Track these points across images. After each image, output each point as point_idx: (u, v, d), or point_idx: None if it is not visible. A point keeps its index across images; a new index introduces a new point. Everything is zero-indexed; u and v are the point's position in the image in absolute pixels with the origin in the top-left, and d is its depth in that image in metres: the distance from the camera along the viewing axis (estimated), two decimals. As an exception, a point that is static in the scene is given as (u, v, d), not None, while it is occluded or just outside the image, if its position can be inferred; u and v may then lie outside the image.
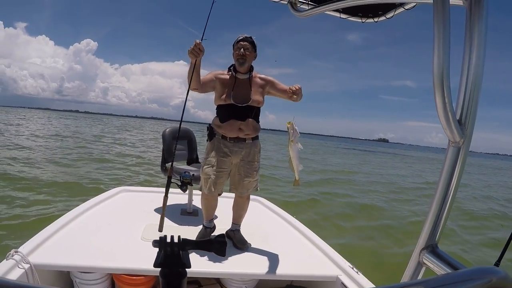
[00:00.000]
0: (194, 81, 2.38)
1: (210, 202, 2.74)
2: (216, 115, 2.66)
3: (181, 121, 2.60)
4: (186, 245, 0.71)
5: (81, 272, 2.25)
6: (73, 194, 6.88)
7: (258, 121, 2.63)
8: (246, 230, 2.84)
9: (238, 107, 2.51)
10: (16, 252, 2.04)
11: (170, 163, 2.45)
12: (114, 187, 3.98)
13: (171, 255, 0.67)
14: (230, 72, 2.60)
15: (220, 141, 2.58)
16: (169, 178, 2.42)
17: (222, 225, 2.91)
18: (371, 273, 2.50)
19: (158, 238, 0.71)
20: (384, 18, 1.63)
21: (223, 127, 2.56)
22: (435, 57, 0.69)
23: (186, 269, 0.71)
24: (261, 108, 2.65)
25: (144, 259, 2.27)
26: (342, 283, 2.32)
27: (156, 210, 3.35)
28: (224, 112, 2.56)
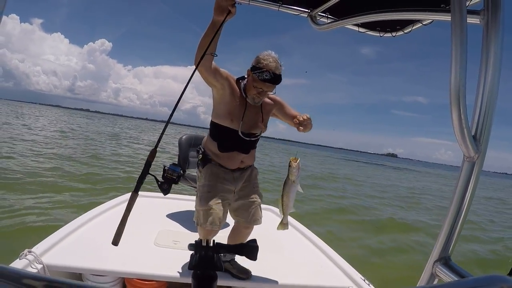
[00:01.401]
0: (213, 45, 1.75)
1: (212, 235, 2.25)
2: (211, 137, 2.20)
3: (171, 114, 1.73)
4: (220, 248, 0.73)
5: (93, 274, 2.28)
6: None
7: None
8: (258, 241, 2.79)
9: (247, 138, 2.14)
10: (30, 252, 2.07)
11: (183, 170, 2.44)
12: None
13: (205, 258, 0.70)
14: (240, 92, 2.13)
15: (218, 168, 2.17)
16: (169, 179, 1.87)
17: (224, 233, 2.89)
18: (383, 286, 2.49)
19: (193, 242, 0.74)
20: (402, 33, 1.66)
21: (221, 157, 2.15)
22: (452, 73, 0.71)
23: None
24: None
25: (157, 265, 2.30)
26: None
27: (169, 216, 3.37)
28: (227, 140, 2.14)
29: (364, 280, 2.41)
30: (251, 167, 2.31)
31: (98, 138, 23.27)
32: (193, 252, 0.73)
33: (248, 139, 2.13)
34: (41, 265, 2.05)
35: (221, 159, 2.15)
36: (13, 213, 5.45)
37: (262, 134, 2.27)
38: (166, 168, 1.81)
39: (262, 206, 3.22)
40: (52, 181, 7.99)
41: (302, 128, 2.04)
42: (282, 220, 2.23)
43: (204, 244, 0.72)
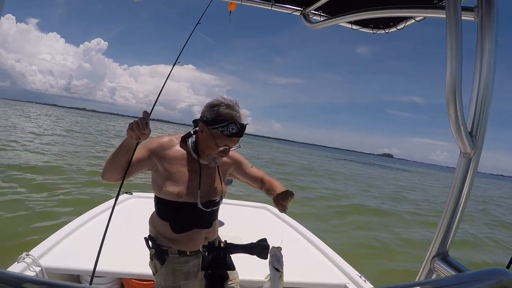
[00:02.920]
0: (116, 172, 1.50)
1: None
2: (159, 217, 1.65)
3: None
4: (231, 249, 0.74)
5: (90, 275, 2.28)
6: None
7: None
8: (253, 238, 2.80)
9: (207, 209, 1.60)
10: (28, 255, 2.07)
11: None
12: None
13: (217, 258, 0.70)
14: (188, 154, 1.62)
15: (178, 261, 1.61)
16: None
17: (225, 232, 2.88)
18: (380, 282, 2.52)
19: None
20: (395, 29, 1.66)
21: (178, 240, 1.61)
22: (447, 69, 0.71)
23: None
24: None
25: None
26: None
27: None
28: (182, 218, 1.59)
29: (361, 277, 2.44)
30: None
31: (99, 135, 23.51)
32: (205, 252, 0.73)
33: (209, 210, 1.62)
34: (39, 268, 2.04)
35: (179, 243, 1.61)
36: (12, 213, 5.42)
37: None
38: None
39: (256, 204, 3.20)
40: (50, 181, 7.96)
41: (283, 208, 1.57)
42: None
43: (216, 244, 0.73)
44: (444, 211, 0.88)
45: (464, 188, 0.84)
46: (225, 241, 0.76)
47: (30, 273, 1.98)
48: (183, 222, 1.59)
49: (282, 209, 1.56)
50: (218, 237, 1.80)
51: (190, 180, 1.57)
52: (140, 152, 1.52)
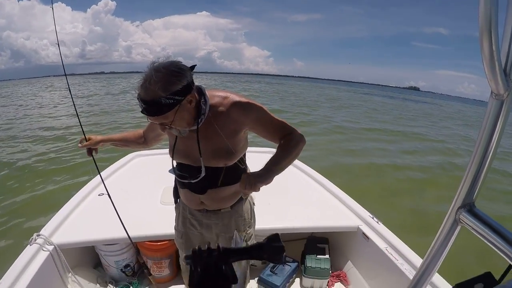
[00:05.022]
0: (127, 147, 1.79)
1: None
2: None
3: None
4: (229, 256, 0.55)
5: (105, 244, 2.30)
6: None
7: (240, 176, 1.29)
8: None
9: (180, 180, 1.53)
10: (39, 235, 2.06)
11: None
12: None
13: (210, 270, 0.51)
14: None
15: (185, 207, 1.67)
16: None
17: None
18: (392, 224, 2.50)
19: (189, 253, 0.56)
20: None
21: (181, 193, 1.63)
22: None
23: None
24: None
25: (166, 224, 2.27)
26: (363, 233, 2.33)
27: (171, 171, 3.31)
28: (177, 174, 1.57)
29: (373, 218, 2.42)
30: (228, 212, 1.60)
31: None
32: (190, 265, 0.55)
33: (184, 181, 1.48)
34: (52, 246, 2.04)
35: (181, 196, 1.64)
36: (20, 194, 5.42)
37: None
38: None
39: (262, 149, 3.08)
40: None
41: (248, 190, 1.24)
42: None
43: (204, 249, 0.54)
44: (471, 157, 0.78)
45: (495, 134, 0.73)
46: (218, 245, 0.55)
47: (43, 253, 1.98)
48: (178, 179, 1.55)
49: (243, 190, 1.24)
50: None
51: (171, 141, 1.49)
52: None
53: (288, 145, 1.37)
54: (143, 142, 1.75)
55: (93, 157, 1.73)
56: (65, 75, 2.05)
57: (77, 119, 2.00)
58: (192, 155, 1.41)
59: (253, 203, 1.76)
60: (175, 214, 1.79)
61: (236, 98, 1.34)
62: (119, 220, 1.95)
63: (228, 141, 1.36)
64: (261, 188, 1.23)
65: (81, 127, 1.93)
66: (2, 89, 42.77)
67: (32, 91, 36.34)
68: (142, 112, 1.18)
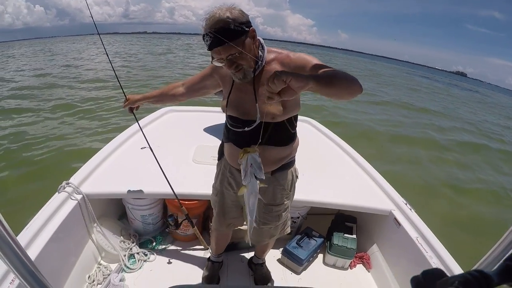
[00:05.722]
0: (162, 102, 1.85)
1: (218, 238, 2.08)
2: None
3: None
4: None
5: (134, 198, 2.28)
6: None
7: (288, 140, 1.48)
8: (298, 155, 2.43)
9: (237, 125, 1.44)
10: (68, 184, 2.04)
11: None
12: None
13: None
14: None
15: (226, 166, 1.66)
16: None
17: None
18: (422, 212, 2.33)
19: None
20: None
21: (225, 148, 1.63)
22: None
23: None
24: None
25: (197, 183, 2.22)
26: (395, 219, 2.22)
27: (206, 130, 3.21)
28: (225, 127, 1.57)
29: (406, 204, 2.30)
30: (268, 178, 1.54)
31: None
32: None
33: (238, 130, 1.43)
34: (81, 195, 2.03)
35: (225, 151, 1.63)
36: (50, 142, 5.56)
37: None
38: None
39: (300, 117, 2.92)
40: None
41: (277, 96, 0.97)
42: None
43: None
44: None
45: None
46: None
47: (72, 202, 1.97)
48: (225, 132, 1.58)
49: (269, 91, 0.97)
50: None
51: (226, 93, 1.48)
52: (205, 69, 1.59)
53: (343, 72, 1.12)
54: (180, 93, 1.73)
55: (133, 114, 1.94)
56: (98, 33, 2.14)
57: (117, 80, 2.13)
58: (242, 106, 1.41)
59: (297, 176, 1.70)
60: (214, 172, 1.79)
61: (290, 52, 1.36)
62: (150, 174, 2.02)
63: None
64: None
65: (121, 87, 2.10)
66: (52, 45, 44.31)
67: (82, 47, 37.32)
68: (209, 47, 1.22)
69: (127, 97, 1.89)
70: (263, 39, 1.38)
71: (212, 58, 1.29)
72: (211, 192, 1.84)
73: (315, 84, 0.95)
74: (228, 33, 1.17)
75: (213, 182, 1.82)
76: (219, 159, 1.75)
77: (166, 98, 1.79)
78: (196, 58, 26.81)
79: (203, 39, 1.22)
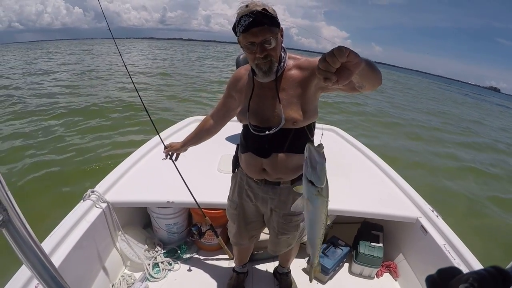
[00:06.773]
0: (201, 141, 1.85)
1: (239, 252, 2.08)
2: None
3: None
4: None
5: (159, 207, 2.28)
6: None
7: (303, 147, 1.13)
8: None
9: (257, 133, 1.41)
10: (93, 192, 2.05)
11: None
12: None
13: None
14: (249, 73, 1.45)
15: (243, 178, 1.63)
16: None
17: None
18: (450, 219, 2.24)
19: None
20: None
21: (242, 159, 1.58)
22: None
23: None
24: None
25: (222, 192, 2.22)
26: (422, 226, 2.16)
27: (230, 139, 3.21)
28: (243, 137, 1.55)
29: (433, 211, 2.24)
30: (287, 188, 1.53)
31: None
32: None
33: (261, 134, 1.38)
34: (106, 204, 2.03)
35: (242, 161, 1.58)
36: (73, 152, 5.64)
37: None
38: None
39: (324, 126, 2.87)
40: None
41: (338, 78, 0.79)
42: (311, 260, 1.41)
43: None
44: None
45: None
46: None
47: (96, 210, 1.98)
48: (243, 141, 1.54)
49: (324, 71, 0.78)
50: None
51: (246, 101, 1.44)
52: (223, 94, 1.61)
53: None
54: (213, 126, 1.74)
55: (173, 161, 1.92)
56: (113, 38, 2.07)
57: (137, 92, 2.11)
58: (262, 114, 1.39)
59: None
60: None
61: (309, 57, 1.37)
62: (175, 183, 1.97)
63: (301, 94, 1.34)
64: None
65: (146, 110, 2.11)
66: (93, 46, 46.25)
67: (126, 50, 39.03)
68: (246, 27, 1.18)
69: (166, 145, 1.92)
70: (298, 49, 1.39)
71: (241, 46, 1.27)
72: None
73: (366, 65, 0.90)
74: (268, 18, 1.19)
75: (228, 194, 1.80)
76: (233, 171, 1.73)
77: (202, 135, 1.79)
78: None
79: (238, 23, 1.21)
